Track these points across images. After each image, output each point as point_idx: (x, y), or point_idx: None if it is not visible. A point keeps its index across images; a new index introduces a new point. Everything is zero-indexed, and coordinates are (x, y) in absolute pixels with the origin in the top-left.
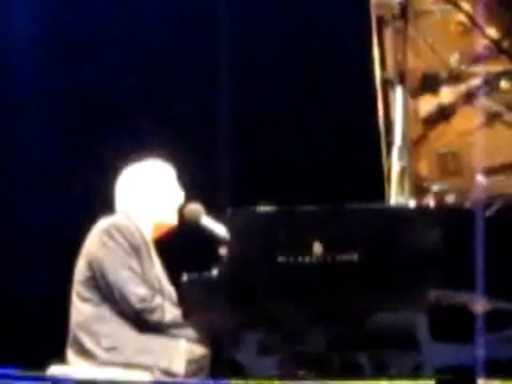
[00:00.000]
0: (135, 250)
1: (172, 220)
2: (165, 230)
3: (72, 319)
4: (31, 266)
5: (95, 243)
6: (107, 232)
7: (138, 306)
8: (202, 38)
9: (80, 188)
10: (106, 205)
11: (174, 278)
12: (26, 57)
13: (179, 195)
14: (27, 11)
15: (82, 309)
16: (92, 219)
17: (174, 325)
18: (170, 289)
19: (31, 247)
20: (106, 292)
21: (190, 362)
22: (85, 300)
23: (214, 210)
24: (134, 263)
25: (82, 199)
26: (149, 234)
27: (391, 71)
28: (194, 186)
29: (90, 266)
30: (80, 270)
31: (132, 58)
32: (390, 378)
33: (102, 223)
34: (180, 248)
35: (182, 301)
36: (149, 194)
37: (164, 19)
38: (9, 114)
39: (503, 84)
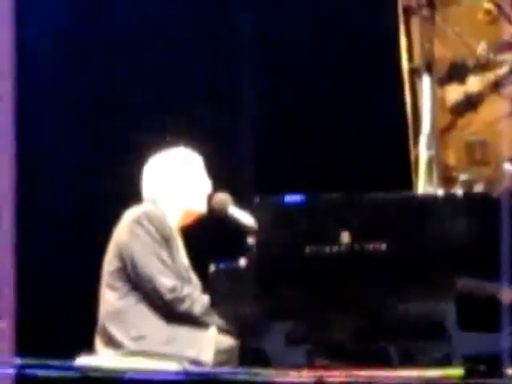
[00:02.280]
0: (165, 239)
1: (201, 208)
2: (193, 219)
3: (101, 309)
4: (60, 256)
5: (125, 233)
6: (137, 221)
7: (168, 295)
8: (225, 29)
9: (108, 178)
10: (134, 194)
11: (201, 268)
12: (47, 55)
13: (207, 183)
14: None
15: (111, 298)
16: (121, 209)
17: (203, 314)
18: (196, 279)
19: (59, 238)
20: (135, 282)
21: (218, 352)
22: (114, 290)
23: (240, 200)
24: (164, 253)
25: (110, 189)
26: (176, 224)
27: (418, 60)
28: (220, 176)
29: (120, 255)
30: (109, 260)
31: (154, 48)
32: (419, 367)
33: (132, 212)
34: (208, 238)
35: (210, 291)
36: (178, 181)
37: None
38: (35, 111)
39: None
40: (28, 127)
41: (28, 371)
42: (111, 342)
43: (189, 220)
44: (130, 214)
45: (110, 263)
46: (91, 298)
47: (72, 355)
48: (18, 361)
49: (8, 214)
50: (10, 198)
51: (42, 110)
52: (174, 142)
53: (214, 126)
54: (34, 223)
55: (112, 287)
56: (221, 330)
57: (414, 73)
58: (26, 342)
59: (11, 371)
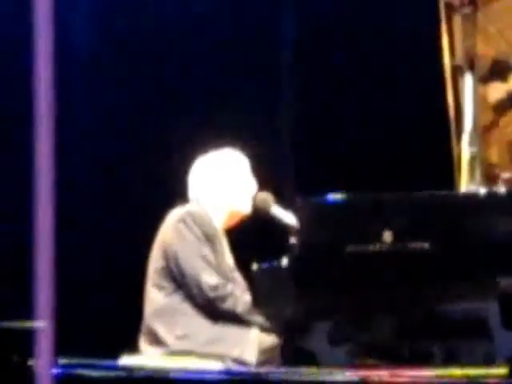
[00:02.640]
0: (209, 239)
1: (246, 209)
2: (238, 219)
3: (146, 308)
4: (104, 255)
5: (170, 232)
6: (182, 220)
7: (210, 294)
8: (266, 32)
9: (152, 177)
10: (179, 194)
11: (244, 267)
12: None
13: (253, 184)
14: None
15: (156, 297)
16: (166, 209)
17: (246, 313)
18: (240, 278)
19: (103, 237)
20: (179, 281)
21: (261, 351)
22: (159, 288)
23: (281, 200)
24: (208, 252)
25: (155, 188)
26: (221, 223)
27: (460, 58)
28: (260, 175)
29: (165, 254)
30: (154, 259)
31: (198, 49)
32: (462, 366)
33: (177, 212)
34: (250, 237)
35: (252, 290)
36: (224, 182)
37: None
38: (75, 109)
39: None
40: (69, 124)
41: (71, 371)
42: (156, 341)
43: (233, 221)
44: (174, 214)
45: (155, 262)
46: (135, 297)
47: (115, 355)
48: (62, 360)
49: (47, 214)
50: (48, 197)
51: (83, 109)
52: (217, 143)
53: (254, 125)
54: (76, 222)
55: (157, 286)
56: (263, 329)
57: (456, 71)
58: (69, 342)
59: (55, 371)
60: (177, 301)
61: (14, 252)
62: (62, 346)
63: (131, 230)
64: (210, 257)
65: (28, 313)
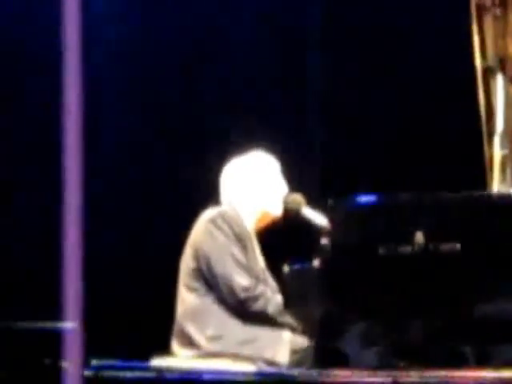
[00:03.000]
0: (240, 240)
1: (277, 210)
2: (269, 221)
3: (178, 309)
4: (135, 256)
5: (201, 233)
6: (213, 222)
7: (242, 295)
8: (292, 32)
9: (185, 180)
10: (210, 196)
11: (275, 268)
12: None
13: (283, 186)
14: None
15: (188, 299)
16: (197, 210)
17: (277, 314)
18: (271, 279)
19: (134, 239)
20: (211, 282)
21: (293, 353)
22: (191, 290)
23: (310, 201)
24: (239, 253)
25: (187, 191)
26: (252, 225)
27: (492, 59)
28: (292, 177)
29: (196, 256)
30: (186, 261)
31: (226, 49)
32: (495, 368)
33: (208, 213)
34: (281, 239)
35: (283, 292)
36: (255, 184)
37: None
38: (106, 111)
39: None
40: (100, 125)
41: (103, 372)
42: (188, 343)
43: (265, 222)
44: (205, 215)
45: (186, 264)
46: (167, 298)
47: (147, 356)
48: (94, 362)
49: (74, 215)
50: (77, 198)
51: (114, 110)
52: (248, 146)
53: (284, 128)
54: (108, 226)
55: (189, 287)
56: (295, 331)
57: (487, 72)
58: (101, 343)
59: (86, 372)
60: (208, 302)
61: (44, 254)
62: (94, 348)
63: (165, 232)
64: (241, 257)
65: (60, 314)
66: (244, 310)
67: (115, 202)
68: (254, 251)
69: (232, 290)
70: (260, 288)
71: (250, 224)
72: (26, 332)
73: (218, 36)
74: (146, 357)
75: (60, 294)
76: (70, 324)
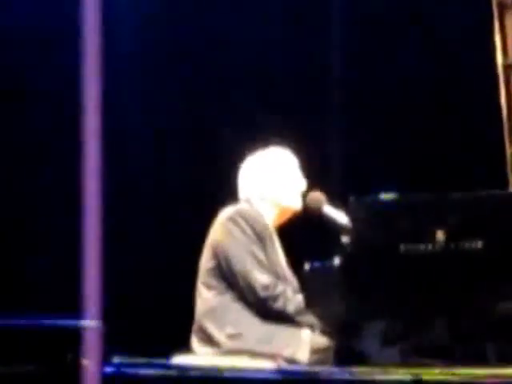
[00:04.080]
0: (260, 238)
1: (296, 205)
2: (289, 216)
3: (197, 308)
4: (155, 255)
5: (220, 231)
6: (232, 219)
7: (262, 293)
8: (314, 32)
9: (204, 178)
10: (229, 194)
11: (296, 267)
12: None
13: (302, 182)
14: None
15: (208, 297)
16: (216, 208)
17: (297, 313)
18: (292, 277)
19: (154, 236)
20: (230, 280)
21: (313, 352)
22: (210, 288)
23: (331, 199)
24: (259, 251)
25: (204, 188)
26: (272, 222)
27: None
28: (311, 174)
29: (215, 253)
30: (205, 259)
31: (247, 46)
32: None
33: (227, 211)
34: (302, 237)
35: (304, 290)
36: (273, 180)
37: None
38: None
39: None
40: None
41: (125, 370)
42: (207, 340)
43: (284, 217)
44: (224, 213)
45: (206, 262)
46: (188, 296)
47: (167, 354)
48: (115, 359)
49: (94, 213)
50: (97, 197)
51: (134, 106)
52: (268, 142)
53: (304, 125)
54: (125, 224)
55: (208, 285)
56: (315, 330)
57: (509, 70)
58: (122, 341)
59: (108, 369)
60: (227, 300)
61: (66, 252)
62: (115, 345)
63: (185, 230)
64: (261, 255)
65: (82, 312)
66: (264, 309)
67: (135, 201)
68: (274, 248)
69: (252, 289)
70: (280, 287)
71: (270, 220)
72: (48, 329)
73: (238, 30)
74: (167, 354)
75: (81, 292)
76: (91, 322)
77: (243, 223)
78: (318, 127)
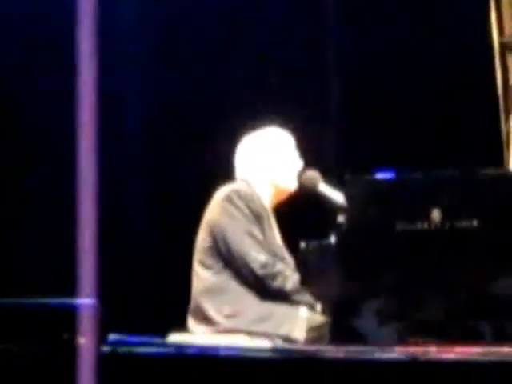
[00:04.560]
0: (256, 217)
1: (292, 185)
2: (285, 196)
3: (194, 287)
4: (152, 234)
5: (217, 210)
6: (228, 198)
7: (260, 272)
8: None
9: (201, 157)
10: (226, 173)
11: (292, 245)
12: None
13: (298, 161)
14: None
15: (204, 276)
16: (213, 187)
17: (295, 291)
18: (288, 256)
19: (149, 215)
20: (227, 259)
21: (310, 330)
22: (207, 267)
23: (327, 177)
24: (256, 229)
25: (202, 167)
26: (268, 201)
27: (509, 35)
28: (309, 153)
29: (212, 233)
30: (202, 238)
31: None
32: None
33: (223, 190)
34: (297, 215)
35: (301, 268)
36: (269, 159)
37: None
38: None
39: None
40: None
41: (120, 348)
42: (204, 320)
43: (280, 198)
44: (220, 193)
45: (202, 241)
46: (184, 275)
47: (164, 333)
48: (111, 337)
49: (89, 191)
50: (91, 174)
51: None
52: (265, 122)
53: (302, 105)
54: (122, 201)
55: (205, 265)
56: (312, 308)
57: (505, 48)
58: (116, 320)
59: (103, 348)
60: (225, 279)
61: (61, 231)
62: (111, 324)
63: (180, 208)
64: (258, 234)
65: (77, 290)
66: (262, 287)
67: (131, 179)
68: (270, 227)
69: (250, 268)
70: (278, 265)
71: (267, 200)
72: (43, 308)
73: (239, 12)
74: (163, 333)
75: (77, 271)
76: (86, 300)
77: (240, 202)
78: (315, 107)
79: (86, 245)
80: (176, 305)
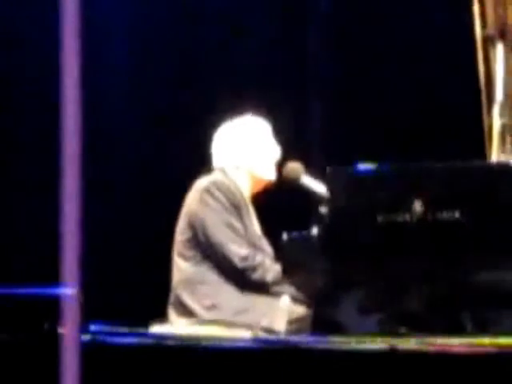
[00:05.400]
0: (235, 208)
1: (271, 174)
2: (263, 186)
3: (173, 278)
4: (131, 225)
5: (196, 202)
6: (207, 190)
7: (240, 264)
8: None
9: (177, 148)
10: (203, 163)
11: (274, 237)
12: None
13: (276, 150)
14: None
15: (184, 268)
16: (191, 178)
17: (276, 283)
18: (268, 247)
19: (129, 207)
20: (207, 250)
21: (290, 321)
22: (186, 259)
23: (309, 169)
24: (235, 221)
25: (179, 158)
26: (247, 192)
27: (492, 27)
28: (291, 145)
29: (191, 224)
30: (181, 229)
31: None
32: (493, 335)
33: (202, 182)
34: (279, 207)
35: (282, 260)
36: (246, 149)
37: None
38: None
39: None
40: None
41: (101, 338)
42: (184, 312)
43: (259, 187)
44: (199, 184)
45: (181, 232)
46: (164, 266)
47: (144, 324)
48: (92, 328)
49: (73, 182)
50: (76, 165)
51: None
52: (243, 111)
53: (283, 95)
54: (102, 193)
55: (184, 256)
56: (293, 299)
57: (487, 40)
58: (97, 310)
59: (84, 338)
60: (205, 271)
61: (42, 219)
62: (91, 314)
63: (159, 200)
64: (238, 226)
65: (59, 279)
66: (242, 279)
67: (112, 173)
68: (249, 218)
69: (230, 260)
70: (259, 257)
71: (245, 190)
72: (24, 298)
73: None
74: (143, 325)
75: (59, 261)
76: (68, 289)
77: (218, 193)
78: (296, 98)
79: (69, 235)
80: (157, 297)
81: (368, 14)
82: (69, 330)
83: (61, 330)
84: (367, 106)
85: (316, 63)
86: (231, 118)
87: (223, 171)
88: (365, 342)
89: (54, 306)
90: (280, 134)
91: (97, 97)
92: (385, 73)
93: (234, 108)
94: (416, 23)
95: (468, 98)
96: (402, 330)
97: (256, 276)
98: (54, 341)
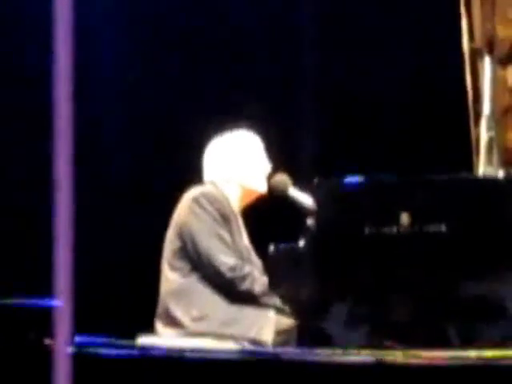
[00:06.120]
0: (225, 219)
1: (261, 187)
2: (253, 199)
3: (162, 289)
4: (120, 236)
5: (185, 213)
6: (197, 201)
7: (228, 275)
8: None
9: (167, 160)
10: (194, 175)
11: (261, 249)
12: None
13: (266, 164)
14: None
15: (172, 278)
16: (181, 189)
17: (263, 294)
18: (256, 259)
19: (119, 218)
20: (195, 261)
21: (277, 333)
22: (175, 269)
23: (297, 181)
24: (224, 232)
25: (170, 171)
26: (237, 204)
27: (479, 41)
28: (278, 157)
29: (180, 235)
30: (170, 240)
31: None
32: (479, 348)
33: (191, 193)
34: (267, 219)
35: (269, 272)
36: (237, 161)
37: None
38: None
39: None
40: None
41: (88, 349)
42: (172, 323)
43: (249, 200)
44: (189, 195)
45: (170, 243)
46: (152, 277)
47: (132, 336)
48: (79, 339)
49: (65, 192)
50: (68, 173)
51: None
52: (234, 125)
53: (273, 108)
54: (93, 205)
55: (173, 267)
56: (280, 311)
57: (475, 54)
58: (85, 322)
59: (71, 350)
60: (192, 281)
61: (34, 230)
62: (79, 325)
63: (148, 212)
64: (227, 237)
65: (47, 291)
66: (230, 290)
67: (105, 184)
68: (239, 230)
69: (218, 270)
70: (247, 268)
71: (235, 202)
72: (13, 308)
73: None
74: (131, 336)
75: (50, 271)
76: (59, 301)
77: (208, 205)
78: (285, 112)
79: (61, 251)
80: (144, 308)
81: (355, 18)
82: (59, 342)
83: (47, 342)
84: (355, 118)
85: (305, 76)
86: (222, 131)
87: (214, 183)
88: (352, 355)
89: (39, 317)
90: (269, 146)
91: (89, 103)
92: (374, 84)
93: (224, 121)
94: (405, 34)
95: (456, 110)
96: (388, 343)
97: (244, 286)
98: (40, 353)
